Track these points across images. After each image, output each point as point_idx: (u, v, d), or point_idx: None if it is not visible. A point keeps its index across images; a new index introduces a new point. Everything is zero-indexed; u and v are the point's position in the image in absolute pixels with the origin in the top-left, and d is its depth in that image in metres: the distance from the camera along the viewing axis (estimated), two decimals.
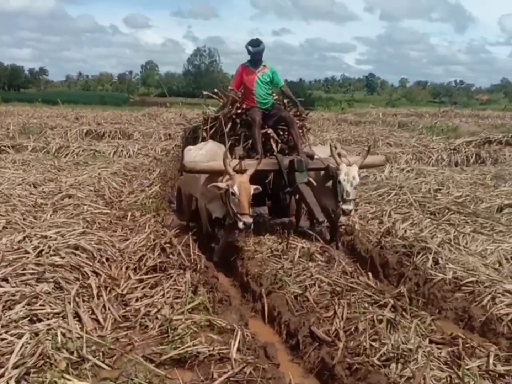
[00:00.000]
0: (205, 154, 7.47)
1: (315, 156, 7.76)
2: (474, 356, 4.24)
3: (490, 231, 7.61)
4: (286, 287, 5.73)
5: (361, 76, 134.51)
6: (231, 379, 3.76)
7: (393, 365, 4.09)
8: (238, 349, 4.18)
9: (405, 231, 7.56)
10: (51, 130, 19.35)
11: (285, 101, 8.93)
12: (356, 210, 7.92)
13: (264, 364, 4.08)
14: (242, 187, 6.41)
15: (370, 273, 6.01)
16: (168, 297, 5.13)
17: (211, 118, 8.82)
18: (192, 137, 9.39)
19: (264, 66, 8.16)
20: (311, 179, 7.48)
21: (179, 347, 4.16)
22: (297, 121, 8.42)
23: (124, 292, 5.26)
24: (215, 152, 7.35)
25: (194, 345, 4.18)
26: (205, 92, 10.03)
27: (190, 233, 6.70)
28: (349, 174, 6.92)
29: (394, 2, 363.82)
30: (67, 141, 16.97)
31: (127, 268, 5.81)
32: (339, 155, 7.23)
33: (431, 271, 6.16)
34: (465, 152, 15.35)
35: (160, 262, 5.90)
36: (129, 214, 8.12)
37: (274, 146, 8.21)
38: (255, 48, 8.03)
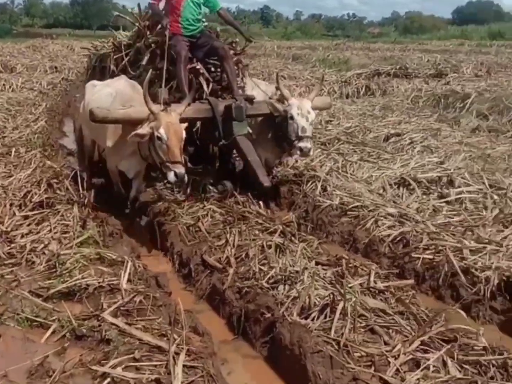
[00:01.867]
0: (116, 96, 5.90)
1: (255, 100, 6.48)
2: (356, 275, 4.48)
3: (376, 159, 7.93)
4: (178, 218, 5.74)
5: (256, 8, 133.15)
6: (121, 308, 3.75)
7: (280, 287, 4.25)
8: (129, 280, 4.17)
9: (296, 161, 7.72)
10: None
11: (218, 29, 7.55)
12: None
13: (155, 293, 4.10)
14: (171, 129, 5.11)
15: (261, 202, 6.11)
16: (55, 233, 4.97)
17: (124, 46, 7.32)
18: (99, 68, 7.94)
19: None
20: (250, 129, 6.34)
21: (67, 281, 4.08)
22: (232, 55, 7.02)
23: (9, 229, 5.04)
24: (129, 95, 5.85)
25: (83, 278, 4.11)
26: (116, 13, 8.62)
27: (78, 167, 6.48)
28: (303, 108, 6.06)
29: None
30: None
31: (11, 205, 5.54)
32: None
33: (319, 198, 6.37)
34: (356, 84, 15.71)
35: (46, 198, 5.67)
36: (13, 150, 7.71)
37: (204, 85, 6.73)
38: None
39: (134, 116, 5.45)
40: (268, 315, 3.90)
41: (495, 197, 6.10)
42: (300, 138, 5.94)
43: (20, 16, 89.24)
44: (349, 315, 3.70)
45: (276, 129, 6.29)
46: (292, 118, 6.02)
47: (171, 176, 5.07)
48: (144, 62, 6.83)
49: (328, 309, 3.81)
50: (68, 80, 16.94)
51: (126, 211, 6.22)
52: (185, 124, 5.34)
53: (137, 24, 7.37)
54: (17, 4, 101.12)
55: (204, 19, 7.07)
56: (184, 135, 5.22)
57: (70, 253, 4.52)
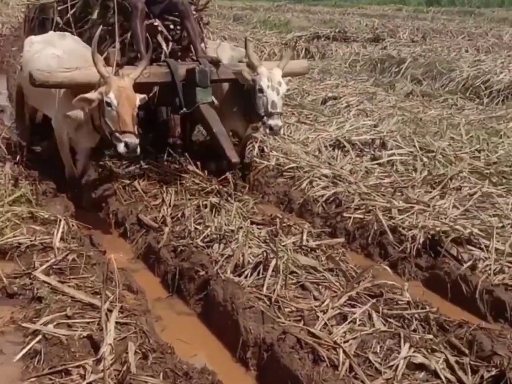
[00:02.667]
0: (63, 55, 5.22)
1: (220, 64, 5.66)
2: (290, 233, 4.59)
3: (313, 121, 8.02)
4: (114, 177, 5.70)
5: None
6: (54, 266, 3.73)
7: (215, 245, 4.33)
8: (62, 239, 4.14)
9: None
10: None
11: None
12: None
13: (89, 251, 4.10)
14: (123, 94, 4.53)
15: (199, 163, 6.10)
16: None
17: None
18: (38, 21, 6.87)
19: None
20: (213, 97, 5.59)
21: None
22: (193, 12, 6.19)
23: None
24: (80, 53, 5.18)
25: (14, 236, 4.06)
26: None
27: (11, 122, 6.27)
28: (273, 79, 5.33)
29: None
30: None
31: None
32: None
33: (256, 159, 6.43)
34: (296, 46, 15.72)
35: None
36: None
37: (164, 46, 5.86)
38: None
39: (80, 79, 4.84)
40: (202, 273, 3.97)
41: (425, 159, 6.32)
42: (270, 115, 5.23)
43: None
44: (281, 272, 3.81)
45: (245, 98, 5.57)
46: (261, 90, 5.29)
47: (121, 147, 4.49)
48: (94, 16, 5.90)
49: (261, 267, 3.91)
50: (2, 35, 16.19)
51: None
52: (142, 96, 4.76)
53: None
54: None
55: None
56: (138, 102, 4.63)
57: (2, 211, 4.43)
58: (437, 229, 4.58)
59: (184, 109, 5.41)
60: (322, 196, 5.52)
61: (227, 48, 6.34)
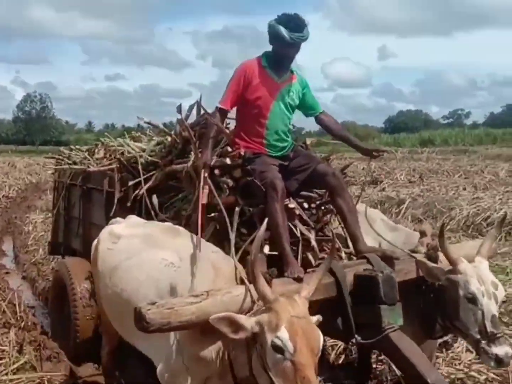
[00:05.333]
0: (179, 263, 3.32)
1: (399, 256, 3.76)
2: None
3: None
4: None
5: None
6: None
7: None
8: None
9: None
10: None
11: (308, 141, 4.88)
12: None
13: None
14: (300, 329, 2.66)
15: None
16: None
17: (145, 162, 4.78)
18: (80, 192, 5.73)
19: (293, 72, 4.16)
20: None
21: None
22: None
23: None
24: (207, 260, 3.29)
25: None
26: (144, 120, 5.08)
27: (15, 287, 6.29)
28: (485, 279, 3.55)
29: (224, 49, 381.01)
30: None
31: None
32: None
33: None
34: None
35: None
36: None
37: (308, 235, 4.00)
38: (296, 35, 3.87)
39: (216, 312, 2.81)
40: None
41: None
42: (492, 337, 3.41)
43: None
44: None
45: (424, 301, 3.81)
46: (472, 300, 3.49)
47: None
48: (203, 199, 3.70)
49: None
50: (9, 197, 16.80)
51: None
52: (317, 317, 2.88)
53: (165, 135, 5.01)
54: None
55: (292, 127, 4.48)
56: (321, 341, 2.74)
57: (6, 380, 4.37)
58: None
59: (358, 337, 3.49)
60: None
61: (380, 223, 4.56)
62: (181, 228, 3.75)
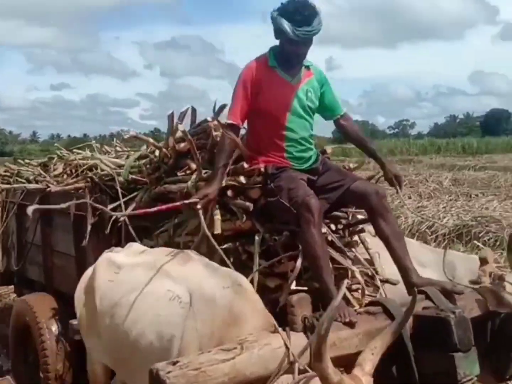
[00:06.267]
0: (193, 304, 2.60)
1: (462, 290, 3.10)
2: None
3: None
4: None
5: (147, 131, 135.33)
6: None
7: None
8: None
9: None
10: None
11: (329, 149, 3.99)
12: None
13: None
14: None
15: None
16: None
17: (125, 180, 4.04)
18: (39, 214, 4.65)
19: (308, 68, 3.49)
20: None
21: None
22: None
23: None
24: (225, 303, 2.53)
25: None
26: (132, 131, 4.42)
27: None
28: None
29: (172, 59, 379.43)
30: None
31: None
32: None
33: None
34: None
35: None
36: None
37: (347, 265, 3.37)
38: (302, 31, 3.16)
39: (263, 366, 2.34)
40: None
41: None
42: None
43: None
44: None
45: (492, 337, 3.15)
46: None
47: None
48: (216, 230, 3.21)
49: None
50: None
51: None
52: None
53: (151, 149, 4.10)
54: None
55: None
56: None
57: None
58: None
59: None
60: None
61: (429, 254, 3.90)
62: (192, 252, 3.03)
